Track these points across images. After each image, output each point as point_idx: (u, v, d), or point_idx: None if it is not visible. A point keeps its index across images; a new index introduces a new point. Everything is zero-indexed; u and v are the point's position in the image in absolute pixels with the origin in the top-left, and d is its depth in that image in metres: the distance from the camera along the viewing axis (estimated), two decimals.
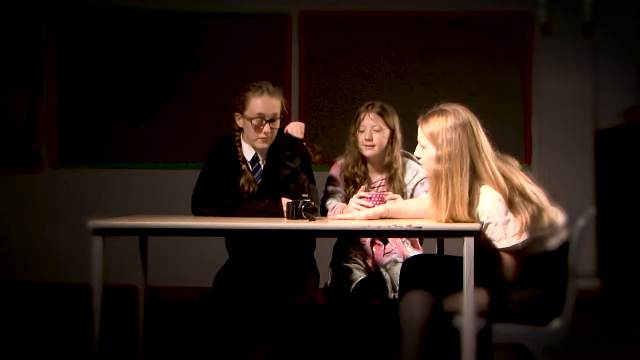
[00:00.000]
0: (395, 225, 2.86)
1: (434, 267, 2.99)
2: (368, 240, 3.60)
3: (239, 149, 3.46)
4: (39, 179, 5.94)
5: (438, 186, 2.85)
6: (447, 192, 2.82)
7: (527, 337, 2.84)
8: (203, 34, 5.95)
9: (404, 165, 3.63)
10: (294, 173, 3.40)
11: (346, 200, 3.53)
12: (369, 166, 3.64)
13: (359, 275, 3.42)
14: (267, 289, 3.24)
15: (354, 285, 3.38)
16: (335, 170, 3.68)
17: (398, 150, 3.60)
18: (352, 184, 3.61)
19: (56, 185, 5.93)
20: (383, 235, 3.49)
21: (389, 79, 5.89)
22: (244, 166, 3.42)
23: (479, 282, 2.74)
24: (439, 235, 3.23)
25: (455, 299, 2.82)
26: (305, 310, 3.34)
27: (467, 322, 2.73)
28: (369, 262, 3.56)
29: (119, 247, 3.50)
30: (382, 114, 3.58)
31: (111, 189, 5.85)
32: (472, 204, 2.81)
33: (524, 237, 2.78)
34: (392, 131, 3.59)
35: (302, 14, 5.94)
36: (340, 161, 3.69)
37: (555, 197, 2.92)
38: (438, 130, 2.84)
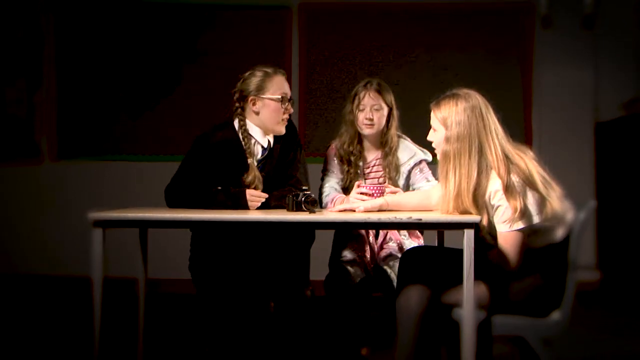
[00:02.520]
0: (396, 218, 2.86)
1: (432, 260, 2.99)
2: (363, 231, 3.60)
3: (245, 140, 3.34)
4: (39, 171, 5.94)
5: (446, 166, 2.87)
6: (454, 173, 2.84)
7: (526, 329, 2.85)
8: (204, 26, 5.94)
9: (399, 145, 3.60)
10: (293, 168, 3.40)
11: (341, 181, 3.55)
12: (365, 144, 3.62)
13: (357, 275, 3.42)
14: (259, 286, 3.23)
15: (352, 286, 3.39)
16: (330, 152, 3.66)
17: (394, 128, 3.59)
18: (347, 162, 3.59)
19: (56, 177, 5.93)
20: (383, 228, 3.49)
21: (389, 70, 5.89)
22: (250, 160, 3.33)
23: (478, 274, 2.74)
24: (439, 227, 3.23)
25: (455, 291, 2.82)
26: (301, 304, 3.34)
27: (467, 314, 2.73)
28: (367, 255, 3.56)
29: (119, 239, 3.50)
30: (380, 91, 3.55)
31: (111, 181, 5.85)
32: (480, 185, 2.81)
33: (521, 224, 2.78)
34: (390, 109, 3.57)
35: (302, 5, 5.93)
36: (335, 143, 3.66)
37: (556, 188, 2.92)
38: (448, 112, 2.87)
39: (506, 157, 2.82)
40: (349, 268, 3.45)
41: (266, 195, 3.27)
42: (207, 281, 3.28)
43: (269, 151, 3.40)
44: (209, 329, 3.39)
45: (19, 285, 5.74)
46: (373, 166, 3.62)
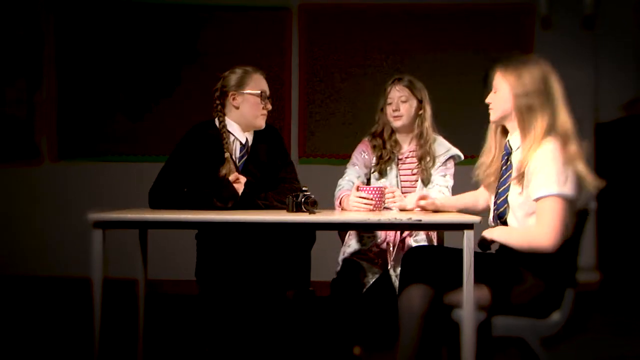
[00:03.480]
0: (396, 218, 2.86)
1: (434, 260, 2.98)
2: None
3: (224, 134, 3.42)
4: (39, 172, 5.94)
5: (522, 117, 2.85)
6: (536, 118, 2.83)
7: (526, 330, 2.84)
8: (203, 27, 5.94)
9: (434, 140, 3.65)
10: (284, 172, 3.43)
11: (363, 175, 3.62)
12: (398, 137, 3.69)
13: (371, 276, 3.42)
14: (259, 284, 3.23)
15: (366, 287, 3.38)
16: (360, 145, 3.71)
17: (428, 122, 3.63)
18: (383, 149, 3.63)
19: (56, 178, 5.93)
20: (383, 229, 3.49)
21: (389, 71, 5.88)
22: (227, 154, 3.38)
23: (480, 277, 2.74)
24: (439, 228, 3.23)
25: (456, 292, 2.82)
26: (301, 304, 3.34)
27: (467, 315, 2.73)
28: (384, 253, 3.56)
29: (119, 240, 3.50)
30: (409, 86, 3.64)
31: (111, 182, 5.85)
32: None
33: (569, 191, 2.78)
34: (420, 102, 3.63)
35: (302, 7, 5.93)
36: (367, 138, 3.72)
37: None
38: (520, 72, 2.89)
39: (564, 124, 2.84)
40: (361, 273, 3.45)
41: (244, 178, 3.30)
42: (212, 282, 3.28)
43: (248, 147, 3.45)
44: (210, 330, 3.39)
45: (18, 286, 5.73)
46: (407, 157, 3.67)
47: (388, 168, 3.61)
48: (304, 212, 3.01)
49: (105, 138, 5.94)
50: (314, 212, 3.01)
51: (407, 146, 3.68)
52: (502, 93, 2.90)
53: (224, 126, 3.45)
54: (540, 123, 2.82)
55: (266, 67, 5.65)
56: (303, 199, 3.02)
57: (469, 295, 2.71)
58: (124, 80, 5.94)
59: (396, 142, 3.66)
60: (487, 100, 2.97)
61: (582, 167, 2.81)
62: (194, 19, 5.94)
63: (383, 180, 3.62)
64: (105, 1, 5.95)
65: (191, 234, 3.64)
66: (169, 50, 5.94)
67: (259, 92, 3.43)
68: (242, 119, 3.46)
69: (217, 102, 3.50)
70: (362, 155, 3.68)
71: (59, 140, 5.95)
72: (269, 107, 3.47)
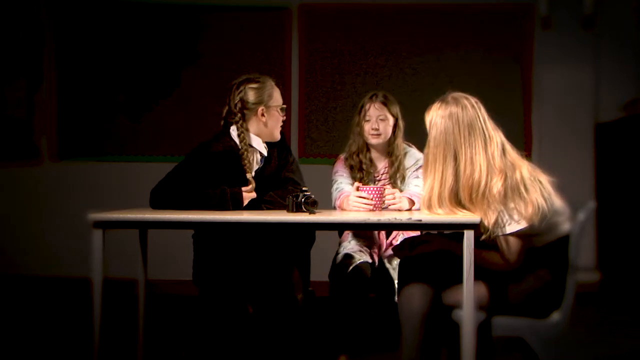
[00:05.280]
0: (395, 218, 2.86)
1: (433, 260, 2.99)
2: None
3: (244, 150, 3.30)
4: (39, 172, 5.94)
5: (426, 168, 2.91)
6: (432, 174, 2.86)
7: (526, 330, 2.85)
8: (203, 27, 5.94)
9: (405, 152, 3.74)
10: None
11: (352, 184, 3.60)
12: (373, 153, 3.75)
13: (358, 258, 3.45)
14: (258, 286, 3.22)
15: (352, 266, 3.40)
16: (339, 164, 3.77)
17: (400, 138, 3.72)
18: (359, 170, 3.71)
19: (56, 178, 5.93)
20: (383, 229, 3.50)
21: (389, 71, 5.89)
22: (249, 175, 3.30)
23: (478, 275, 2.74)
24: (439, 228, 3.22)
25: (455, 291, 2.82)
26: (301, 305, 3.33)
27: (467, 315, 2.73)
28: (375, 250, 3.61)
29: (119, 240, 3.50)
30: (386, 103, 3.70)
31: (111, 182, 5.85)
32: (480, 186, 2.81)
33: (517, 227, 2.77)
34: (395, 119, 3.70)
35: (302, 7, 5.93)
36: (343, 155, 3.78)
37: (555, 191, 2.92)
38: (430, 116, 2.91)
39: (493, 163, 2.80)
40: (356, 255, 3.48)
41: (254, 193, 3.27)
42: (210, 283, 3.27)
43: (267, 157, 3.40)
44: (210, 330, 3.39)
45: (18, 286, 5.73)
46: (382, 174, 3.73)
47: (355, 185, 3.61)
48: (304, 212, 3.01)
49: (106, 138, 5.94)
50: (314, 212, 3.01)
51: (381, 164, 3.75)
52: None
53: (246, 142, 3.32)
54: (447, 169, 2.84)
55: (266, 67, 5.72)
56: (303, 199, 3.02)
57: (469, 295, 2.71)
58: (124, 80, 5.94)
59: (371, 161, 3.73)
60: None
61: (525, 193, 2.78)
62: (194, 19, 5.94)
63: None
64: (105, 1, 5.95)
65: (191, 234, 3.64)
66: (169, 50, 5.94)
67: (281, 104, 3.40)
68: (265, 131, 3.37)
69: (238, 114, 3.34)
70: (345, 170, 3.73)
71: (59, 140, 5.95)
72: (284, 117, 3.44)
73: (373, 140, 3.68)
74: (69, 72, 5.95)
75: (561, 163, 5.46)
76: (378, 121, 3.66)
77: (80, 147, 5.95)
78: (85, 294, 3.02)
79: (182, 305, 5.10)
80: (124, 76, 5.94)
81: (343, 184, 3.66)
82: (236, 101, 3.34)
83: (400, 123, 3.72)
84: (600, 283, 5.67)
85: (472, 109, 2.86)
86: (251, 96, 3.33)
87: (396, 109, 3.72)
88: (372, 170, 3.72)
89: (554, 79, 5.85)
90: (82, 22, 5.95)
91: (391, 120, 3.69)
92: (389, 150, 3.72)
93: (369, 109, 3.68)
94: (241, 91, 3.34)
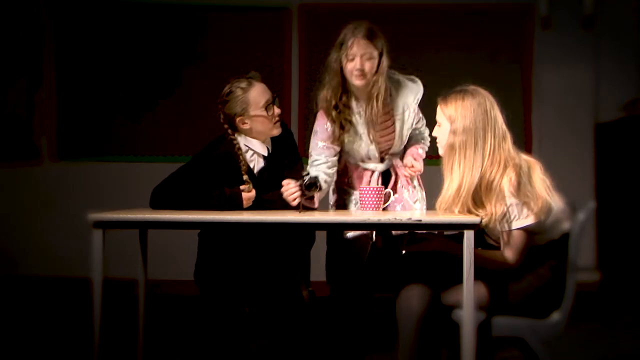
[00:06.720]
0: (395, 219, 2.86)
1: (432, 260, 2.99)
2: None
3: (241, 157, 3.30)
4: (39, 172, 5.95)
5: (452, 159, 2.87)
6: (459, 165, 2.84)
7: (526, 330, 2.84)
8: (204, 27, 5.95)
9: (399, 84, 3.37)
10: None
11: (331, 165, 3.34)
12: (352, 96, 3.30)
13: (361, 247, 3.42)
14: (258, 288, 3.23)
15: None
16: (320, 122, 3.35)
17: (383, 75, 3.25)
18: (340, 128, 3.26)
19: (56, 178, 5.93)
20: (383, 229, 3.49)
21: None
22: (245, 177, 3.28)
23: (478, 275, 2.74)
24: (439, 227, 3.22)
25: (455, 292, 2.82)
26: (301, 305, 3.34)
27: (467, 315, 2.73)
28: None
29: (119, 240, 3.50)
30: (372, 38, 3.21)
31: (111, 182, 5.85)
32: (485, 181, 2.81)
33: (526, 222, 2.78)
34: (380, 54, 3.23)
35: (302, 7, 5.94)
36: (323, 109, 3.34)
37: (555, 191, 2.93)
38: (455, 107, 2.88)
39: (508, 157, 2.83)
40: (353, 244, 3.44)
41: (253, 194, 3.27)
42: (211, 282, 3.28)
43: (270, 157, 3.39)
44: (211, 331, 3.39)
45: (18, 286, 5.73)
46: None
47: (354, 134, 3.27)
48: (304, 195, 3.06)
49: (106, 138, 5.94)
50: (312, 195, 3.05)
51: (359, 105, 3.30)
52: (444, 129, 2.92)
53: (239, 148, 3.31)
54: (477, 158, 2.83)
55: (266, 67, 5.72)
56: (304, 182, 3.06)
57: (469, 296, 2.71)
58: (124, 80, 5.94)
59: (346, 105, 3.26)
60: (434, 134, 3.00)
61: (533, 189, 2.79)
62: (194, 19, 5.95)
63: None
64: (105, 1, 5.95)
65: (191, 234, 3.65)
66: (169, 50, 5.94)
67: (264, 107, 3.26)
68: (258, 134, 3.33)
69: (225, 126, 3.32)
70: (324, 134, 3.33)
71: (59, 140, 5.95)
72: (278, 111, 3.31)
73: (357, 82, 3.18)
74: (69, 72, 5.95)
75: (561, 163, 5.45)
76: (364, 61, 3.18)
77: (80, 147, 5.95)
78: (85, 294, 3.02)
79: (182, 305, 5.10)
80: (124, 76, 5.94)
81: (322, 167, 3.32)
82: (221, 117, 3.34)
83: (385, 59, 3.23)
84: (600, 283, 5.67)
85: (493, 100, 2.90)
86: (227, 110, 3.30)
87: (381, 43, 3.23)
88: (348, 117, 3.25)
89: (554, 79, 5.85)
90: (82, 22, 5.95)
91: (377, 57, 3.21)
92: (370, 89, 3.22)
93: (351, 45, 3.17)
94: (219, 107, 3.34)
